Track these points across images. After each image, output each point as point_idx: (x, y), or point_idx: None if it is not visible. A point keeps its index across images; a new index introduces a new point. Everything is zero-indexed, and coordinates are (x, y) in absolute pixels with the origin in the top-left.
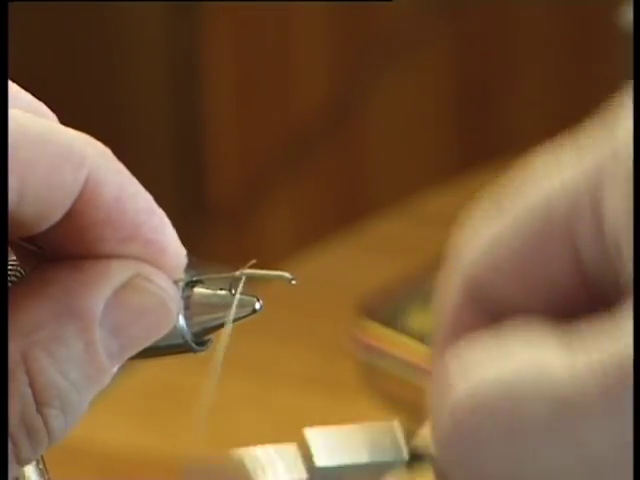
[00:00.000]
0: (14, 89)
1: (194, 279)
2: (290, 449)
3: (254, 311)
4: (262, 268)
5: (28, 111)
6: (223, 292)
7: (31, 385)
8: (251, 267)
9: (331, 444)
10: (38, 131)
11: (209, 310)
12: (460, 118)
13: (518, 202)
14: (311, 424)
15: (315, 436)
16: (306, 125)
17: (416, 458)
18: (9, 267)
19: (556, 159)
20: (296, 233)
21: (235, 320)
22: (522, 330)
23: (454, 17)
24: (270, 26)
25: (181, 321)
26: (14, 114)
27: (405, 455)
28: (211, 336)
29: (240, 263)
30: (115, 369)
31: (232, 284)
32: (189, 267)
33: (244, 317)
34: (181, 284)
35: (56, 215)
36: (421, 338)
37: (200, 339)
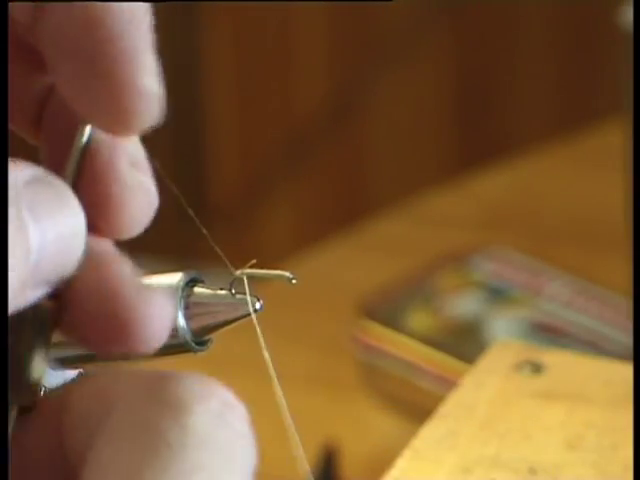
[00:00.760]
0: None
1: (194, 279)
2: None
3: (255, 311)
4: (262, 268)
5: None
6: (223, 292)
7: None
8: (251, 267)
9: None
10: None
11: (209, 310)
12: (460, 118)
13: None
14: (311, 424)
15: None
16: (306, 125)
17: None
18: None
19: None
20: (296, 233)
21: (235, 320)
22: None
23: (454, 17)
24: (270, 26)
25: (181, 321)
26: None
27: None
28: (211, 336)
29: (240, 263)
30: None
31: (232, 284)
32: (189, 267)
33: (244, 317)
34: (181, 284)
35: None
36: (421, 338)
37: (200, 339)
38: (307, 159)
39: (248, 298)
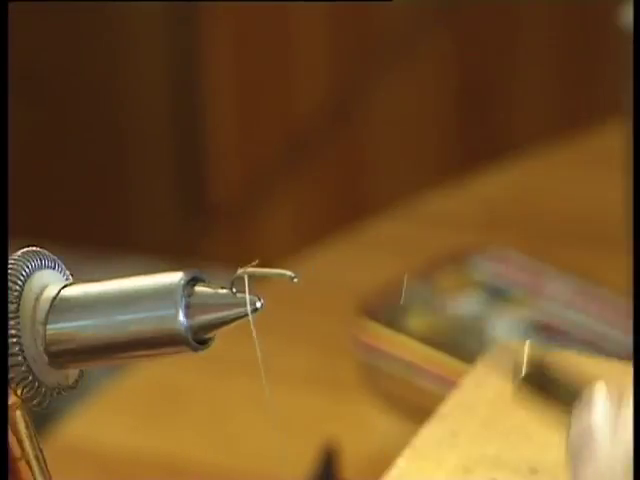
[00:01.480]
0: None
1: (195, 278)
2: None
3: (255, 310)
4: (263, 267)
5: None
6: (224, 291)
7: None
8: (252, 266)
9: None
10: None
11: (210, 309)
12: (460, 118)
13: None
14: (311, 424)
15: None
16: (306, 125)
17: None
18: (10, 265)
19: None
20: (296, 233)
21: (236, 319)
22: None
23: (454, 17)
24: (270, 26)
25: (182, 319)
26: None
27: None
28: (212, 335)
29: (240, 263)
30: None
31: (233, 283)
32: (189, 267)
33: (245, 316)
34: (182, 283)
35: None
36: (421, 338)
37: (201, 338)
38: (307, 159)
39: (247, 297)
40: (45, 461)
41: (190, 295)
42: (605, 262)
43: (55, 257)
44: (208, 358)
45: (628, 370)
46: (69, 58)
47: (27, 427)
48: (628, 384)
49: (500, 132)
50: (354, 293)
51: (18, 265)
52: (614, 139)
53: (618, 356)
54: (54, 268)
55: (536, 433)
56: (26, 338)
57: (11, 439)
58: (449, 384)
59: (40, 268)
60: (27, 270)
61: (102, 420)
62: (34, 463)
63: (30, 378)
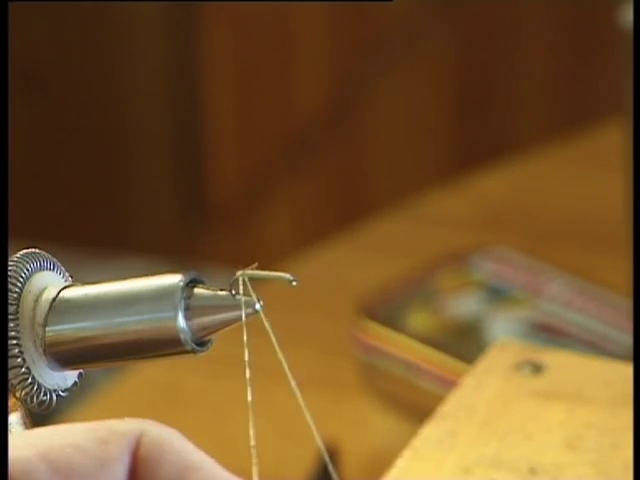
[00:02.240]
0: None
1: (194, 279)
2: None
3: (254, 312)
4: (262, 269)
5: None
6: (223, 293)
7: None
8: (252, 269)
9: None
10: None
11: (209, 311)
12: (460, 118)
13: None
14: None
15: None
16: (306, 125)
17: None
18: (9, 267)
19: None
20: (296, 233)
21: (235, 321)
22: None
23: (454, 17)
24: (270, 26)
25: (181, 322)
26: None
27: None
28: (211, 336)
29: (240, 263)
30: None
31: (232, 285)
32: (189, 267)
33: (245, 318)
34: (181, 284)
35: None
36: (421, 338)
37: (200, 339)
38: (307, 159)
39: (250, 299)
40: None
41: (189, 297)
42: (605, 262)
43: (54, 258)
44: (208, 358)
45: (628, 370)
46: (69, 58)
47: (27, 428)
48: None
49: (500, 132)
50: (354, 293)
51: (17, 267)
52: (614, 139)
53: (618, 356)
54: (53, 269)
55: (536, 433)
56: (25, 340)
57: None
58: (449, 384)
59: (39, 269)
60: (26, 272)
61: (102, 420)
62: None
63: (29, 380)
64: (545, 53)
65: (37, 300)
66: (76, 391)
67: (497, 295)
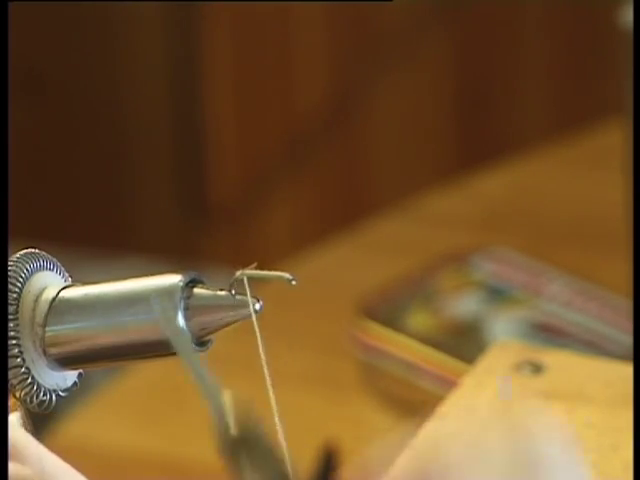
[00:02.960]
0: None
1: (194, 279)
2: None
3: (255, 312)
4: (262, 269)
5: None
6: (223, 293)
7: None
8: (251, 269)
9: None
10: None
11: (209, 311)
12: (460, 118)
13: None
14: (311, 424)
15: None
16: (306, 125)
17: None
18: (9, 267)
19: None
20: (296, 233)
21: (235, 320)
22: None
23: (453, 17)
24: (270, 26)
25: (181, 322)
26: None
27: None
28: (211, 336)
29: (240, 263)
30: None
31: (232, 285)
32: (189, 267)
33: (244, 317)
34: (181, 284)
35: None
36: (421, 338)
37: (200, 339)
38: (307, 159)
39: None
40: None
41: (189, 297)
42: (605, 262)
43: (54, 258)
44: (208, 358)
45: (628, 370)
46: (69, 58)
47: (27, 428)
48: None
49: (500, 132)
50: (354, 293)
51: (17, 267)
52: (614, 139)
53: (618, 356)
54: (53, 270)
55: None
56: (25, 340)
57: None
58: (449, 384)
59: (39, 270)
60: (26, 272)
61: (102, 420)
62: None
63: (29, 379)
64: (545, 53)
65: (37, 300)
66: (76, 391)
67: (497, 295)
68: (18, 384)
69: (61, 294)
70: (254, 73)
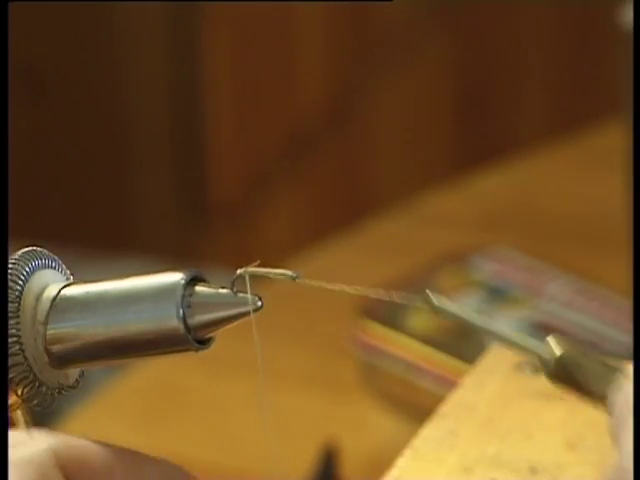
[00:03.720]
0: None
1: (196, 277)
2: None
3: (256, 310)
4: (264, 267)
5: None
6: (225, 290)
7: None
8: (254, 266)
9: None
10: None
11: (210, 308)
12: (460, 118)
13: None
14: (311, 424)
15: None
16: (306, 126)
17: None
18: (10, 265)
19: None
20: (296, 233)
21: (237, 318)
22: None
23: (454, 17)
24: (270, 27)
25: (182, 319)
26: None
27: None
28: (213, 334)
29: (240, 263)
30: None
31: (234, 283)
32: (189, 267)
33: (245, 315)
34: (182, 282)
35: None
36: (421, 338)
37: (202, 337)
38: (307, 159)
39: (239, 296)
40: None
41: (191, 295)
42: (605, 262)
43: (55, 257)
44: (208, 358)
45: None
46: (69, 59)
47: (27, 427)
48: None
49: (500, 132)
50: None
51: (18, 265)
52: (614, 139)
53: (618, 356)
54: (54, 268)
55: (536, 433)
56: (26, 338)
57: None
58: (449, 384)
59: (40, 268)
60: (27, 270)
61: (102, 420)
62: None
63: (30, 378)
64: (545, 53)
65: (38, 298)
66: (76, 390)
67: (497, 295)
68: (19, 382)
69: (62, 292)
70: (254, 73)
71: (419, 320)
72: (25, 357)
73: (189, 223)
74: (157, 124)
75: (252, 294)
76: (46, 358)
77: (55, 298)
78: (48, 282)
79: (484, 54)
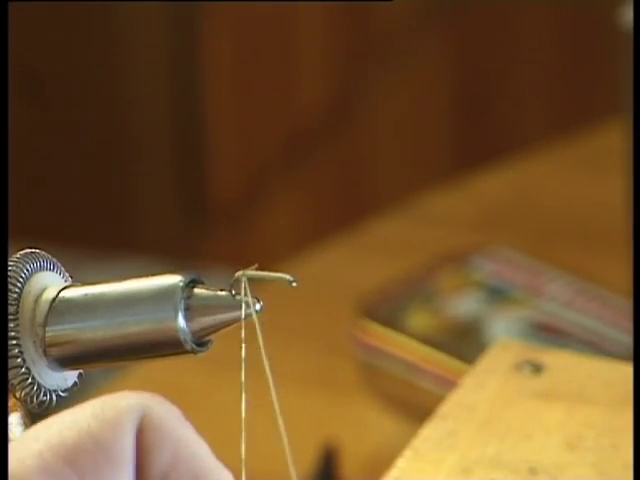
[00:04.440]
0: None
1: (194, 280)
2: None
3: (255, 312)
4: (263, 269)
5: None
6: (223, 293)
7: None
8: (252, 269)
9: None
10: None
11: (209, 311)
12: (460, 118)
13: None
14: (311, 424)
15: None
16: (305, 126)
17: None
18: (9, 267)
19: None
20: (296, 233)
21: (235, 321)
22: None
23: (454, 16)
24: (270, 27)
25: (181, 322)
26: None
27: None
28: (211, 337)
29: (240, 263)
30: None
31: (233, 285)
32: (189, 267)
33: (244, 318)
34: (181, 285)
35: None
36: (421, 338)
37: (200, 340)
38: (307, 159)
39: (249, 299)
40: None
41: (189, 297)
42: (605, 262)
43: (54, 259)
44: (208, 358)
45: (628, 370)
46: (69, 59)
47: (27, 428)
48: None
49: (500, 132)
50: (354, 293)
51: (17, 267)
52: (614, 139)
53: (618, 356)
54: (53, 270)
55: (536, 433)
56: (25, 340)
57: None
58: (449, 384)
59: (39, 270)
60: (26, 272)
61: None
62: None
63: (29, 380)
64: (545, 53)
65: (37, 300)
66: (76, 391)
67: (497, 295)
68: (18, 384)
69: (61, 294)
70: (254, 73)
71: (419, 320)
72: (24, 359)
73: (189, 223)
74: (157, 124)
75: (252, 297)
76: (45, 360)
77: (54, 300)
78: (47, 284)
79: (484, 54)
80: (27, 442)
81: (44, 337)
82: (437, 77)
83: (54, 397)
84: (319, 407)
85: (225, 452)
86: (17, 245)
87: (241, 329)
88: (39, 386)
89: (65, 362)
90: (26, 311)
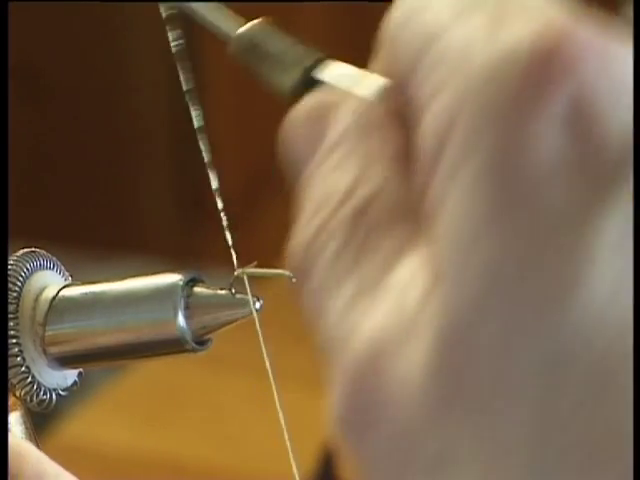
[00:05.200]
0: None
1: (194, 278)
2: None
3: (255, 311)
4: (262, 268)
5: None
6: (223, 292)
7: None
8: (252, 267)
9: None
10: None
11: (209, 310)
12: None
13: None
14: (311, 424)
15: None
16: None
17: None
18: (9, 266)
19: None
20: None
21: (235, 320)
22: None
23: None
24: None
25: (181, 321)
26: None
27: None
28: (211, 336)
29: (240, 263)
30: None
31: (232, 284)
32: (189, 267)
33: (244, 317)
34: (181, 283)
35: None
36: None
37: (200, 339)
38: None
39: (250, 297)
40: (33, 426)
41: (189, 296)
42: None
43: (54, 258)
44: (208, 358)
45: None
46: (69, 59)
47: (27, 427)
48: None
49: None
50: None
51: (17, 266)
52: None
53: None
54: (53, 269)
55: None
56: (25, 339)
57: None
58: None
59: (39, 269)
60: (26, 271)
61: (102, 420)
62: (20, 420)
63: (29, 379)
64: None
65: (37, 299)
66: (76, 391)
67: None
68: (18, 383)
69: (61, 293)
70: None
71: None
72: (24, 358)
73: (189, 223)
74: (157, 125)
75: (252, 295)
76: (45, 359)
77: (54, 299)
78: (47, 283)
79: None
80: None
81: (44, 336)
82: None
83: (54, 396)
84: (319, 407)
85: (225, 451)
86: (17, 245)
87: (242, 328)
88: (39, 385)
89: (65, 361)
90: (26, 310)
